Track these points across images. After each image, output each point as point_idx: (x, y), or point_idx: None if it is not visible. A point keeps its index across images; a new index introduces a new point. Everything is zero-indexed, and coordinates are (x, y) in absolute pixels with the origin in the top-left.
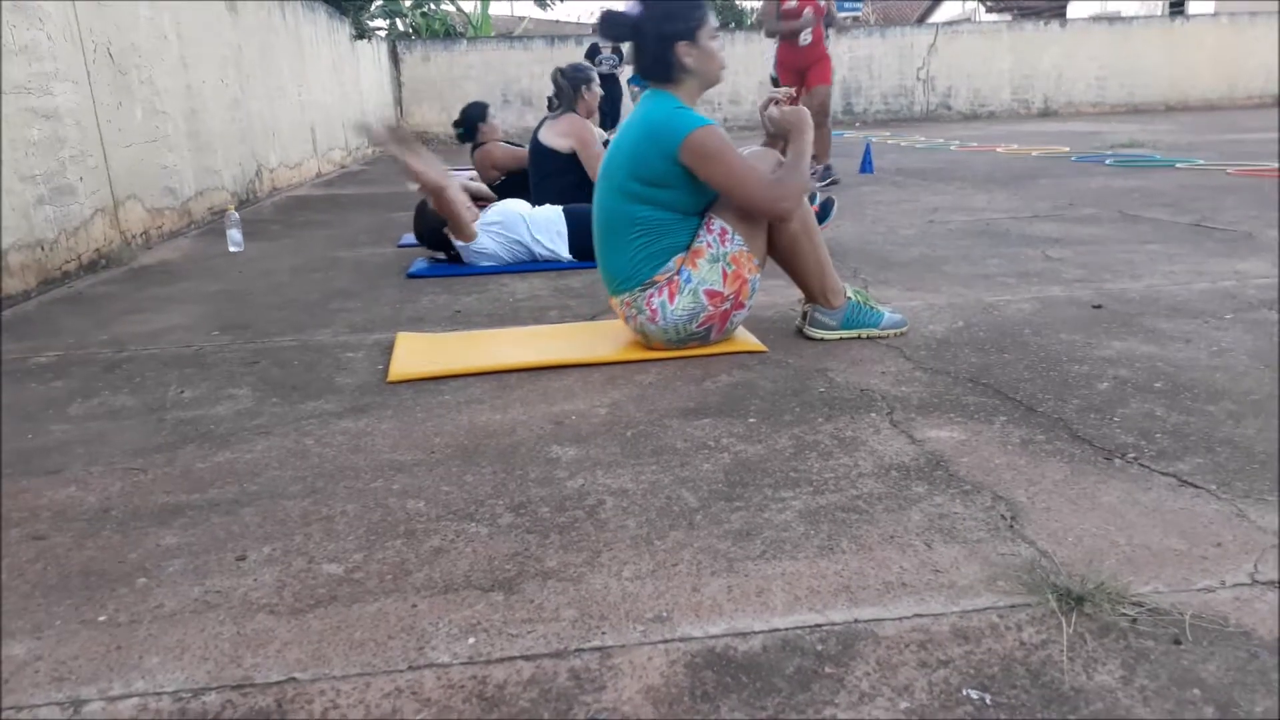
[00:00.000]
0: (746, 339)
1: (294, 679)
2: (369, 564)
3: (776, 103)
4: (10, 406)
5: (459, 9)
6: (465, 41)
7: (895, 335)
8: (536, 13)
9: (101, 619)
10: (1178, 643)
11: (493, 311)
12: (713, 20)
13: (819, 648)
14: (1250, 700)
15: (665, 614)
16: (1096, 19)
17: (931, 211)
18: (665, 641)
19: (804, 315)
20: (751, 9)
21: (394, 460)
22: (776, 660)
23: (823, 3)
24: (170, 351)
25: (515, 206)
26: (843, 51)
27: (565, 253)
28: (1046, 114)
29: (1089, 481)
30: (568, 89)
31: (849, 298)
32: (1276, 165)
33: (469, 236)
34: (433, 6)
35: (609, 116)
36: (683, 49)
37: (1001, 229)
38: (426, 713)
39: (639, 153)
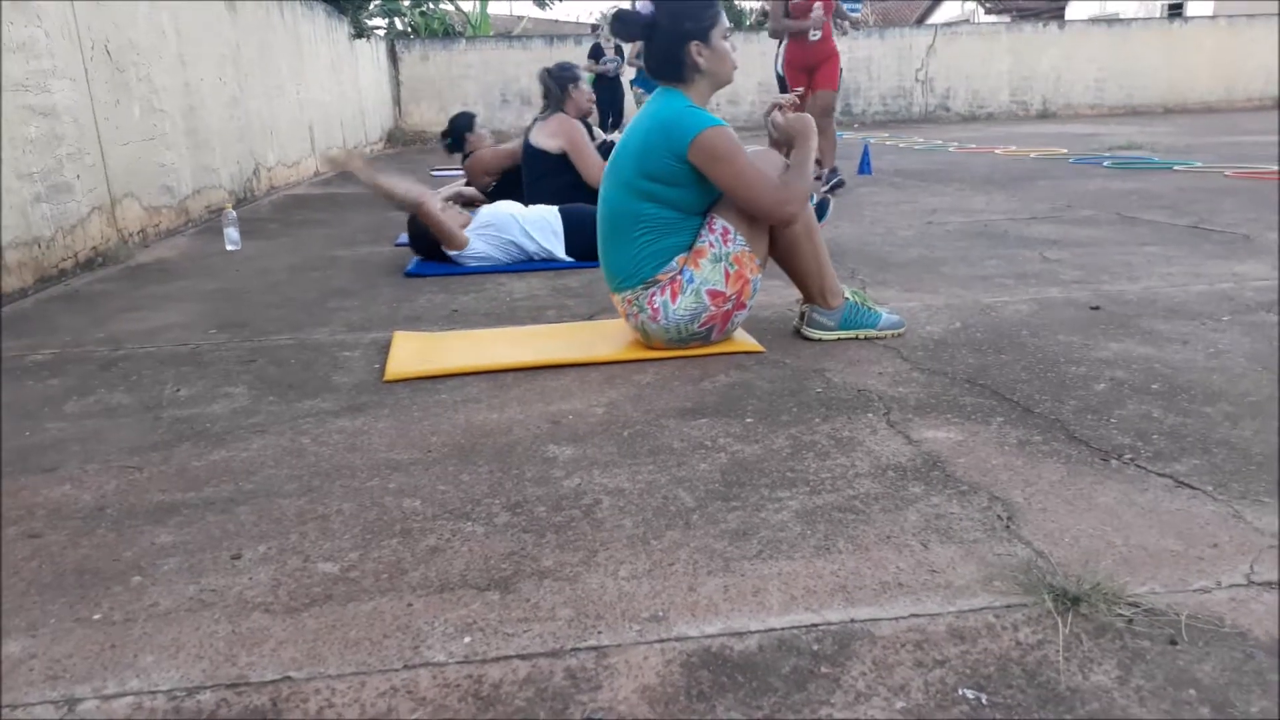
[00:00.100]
0: (744, 339)
1: (289, 678)
2: (365, 563)
3: (780, 108)
4: (7, 404)
5: (458, 8)
6: (464, 41)
7: (893, 336)
8: (535, 12)
9: (96, 617)
10: (1174, 643)
11: (490, 311)
12: (725, 21)
13: (815, 647)
14: (1246, 701)
15: (661, 613)
16: (1095, 21)
17: (930, 213)
18: (661, 641)
19: (802, 316)
20: (751, 9)
21: (390, 459)
22: (772, 660)
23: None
24: (167, 350)
25: (506, 207)
26: (841, 52)
27: (561, 252)
28: (1045, 116)
29: (1085, 482)
30: (554, 89)
31: (847, 298)
32: (1274, 168)
33: (459, 245)
34: (431, 6)
35: (612, 117)
36: (695, 49)
37: (999, 230)
38: (422, 712)
39: (648, 150)
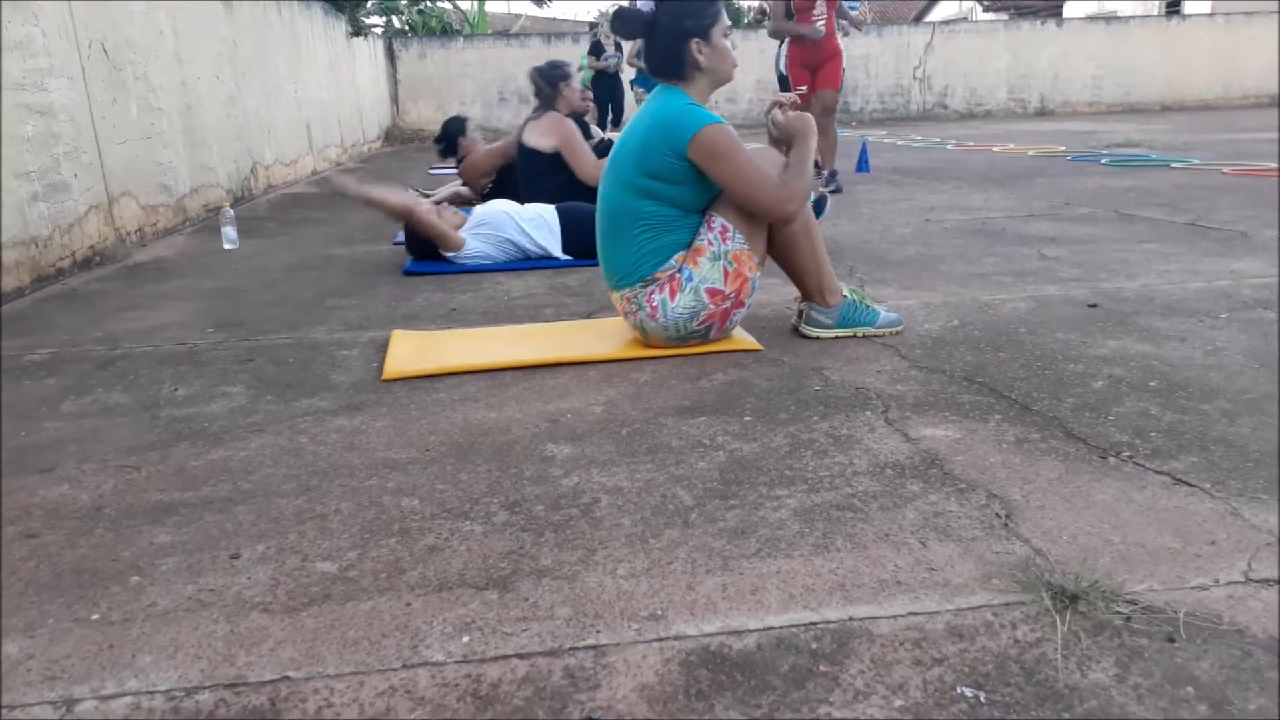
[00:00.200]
0: (743, 337)
1: (287, 678)
2: (363, 562)
3: (780, 106)
4: (4, 404)
5: (455, 6)
6: (462, 39)
7: (891, 334)
8: (533, 10)
9: (94, 617)
10: (1172, 641)
11: (488, 309)
12: (725, 19)
13: (814, 646)
14: (1244, 698)
15: (660, 612)
16: (1093, 18)
17: (928, 210)
18: (660, 640)
19: (800, 314)
20: (749, 7)
21: (388, 458)
22: (771, 658)
23: None
24: (164, 349)
25: (501, 205)
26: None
27: (558, 250)
28: (1043, 113)
29: (1083, 480)
30: (545, 88)
31: (845, 296)
32: (1272, 165)
33: (455, 246)
34: (429, 4)
35: (612, 114)
36: (696, 46)
37: (998, 228)
38: (421, 711)
39: (648, 147)
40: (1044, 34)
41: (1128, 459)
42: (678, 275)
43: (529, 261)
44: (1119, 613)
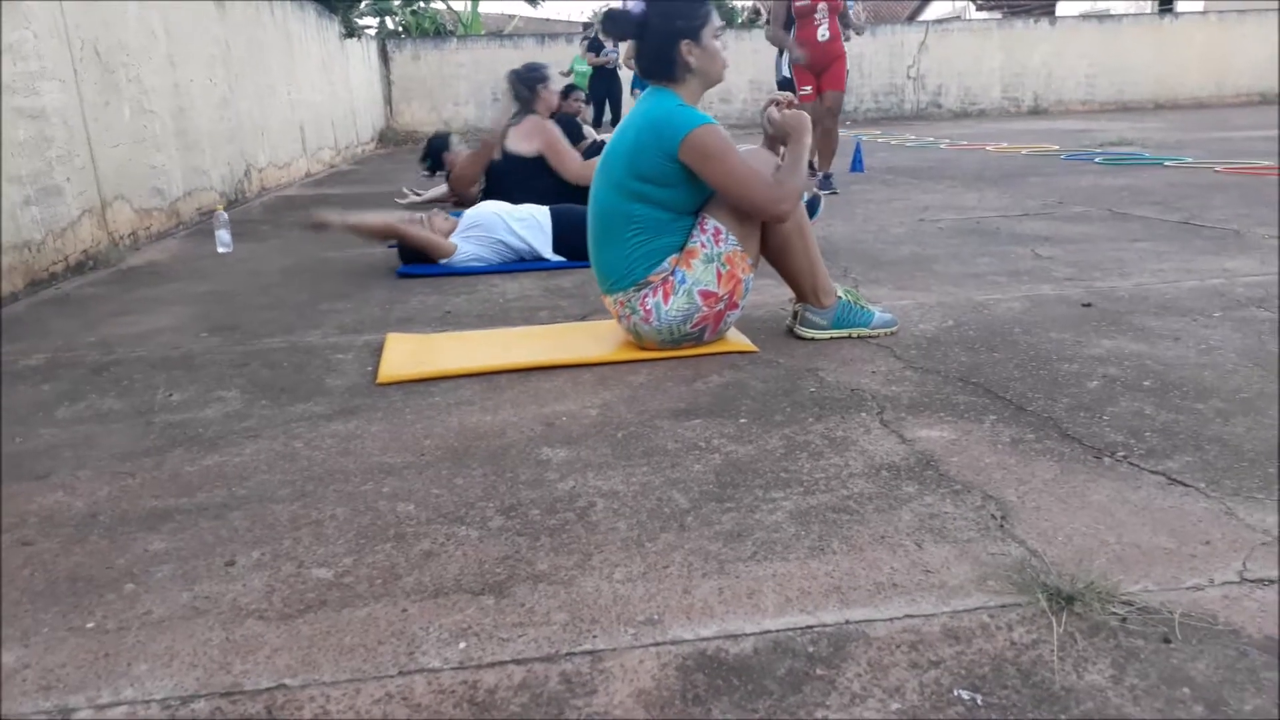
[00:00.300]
0: (737, 339)
1: (284, 685)
2: (359, 568)
3: (777, 104)
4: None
5: (449, 7)
6: (455, 40)
7: (886, 334)
8: (527, 10)
9: (90, 626)
10: (1167, 641)
11: (483, 312)
12: (716, 19)
13: (810, 649)
14: (1240, 699)
15: (656, 616)
16: (1086, 17)
17: (922, 210)
18: (656, 644)
19: (795, 315)
20: (743, 7)
21: (384, 463)
22: (768, 662)
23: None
24: (158, 354)
25: (491, 206)
26: None
27: (548, 251)
28: (1036, 112)
29: (1078, 480)
30: (522, 90)
31: (840, 297)
32: (1264, 163)
33: (445, 254)
34: (422, 5)
35: (610, 111)
36: (686, 47)
37: (992, 227)
38: (417, 718)
39: (639, 150)
40: (1037, 32)
41: (1123, 459)
42: (671, 278)
43: (523, 263)
44: (1115, 614)
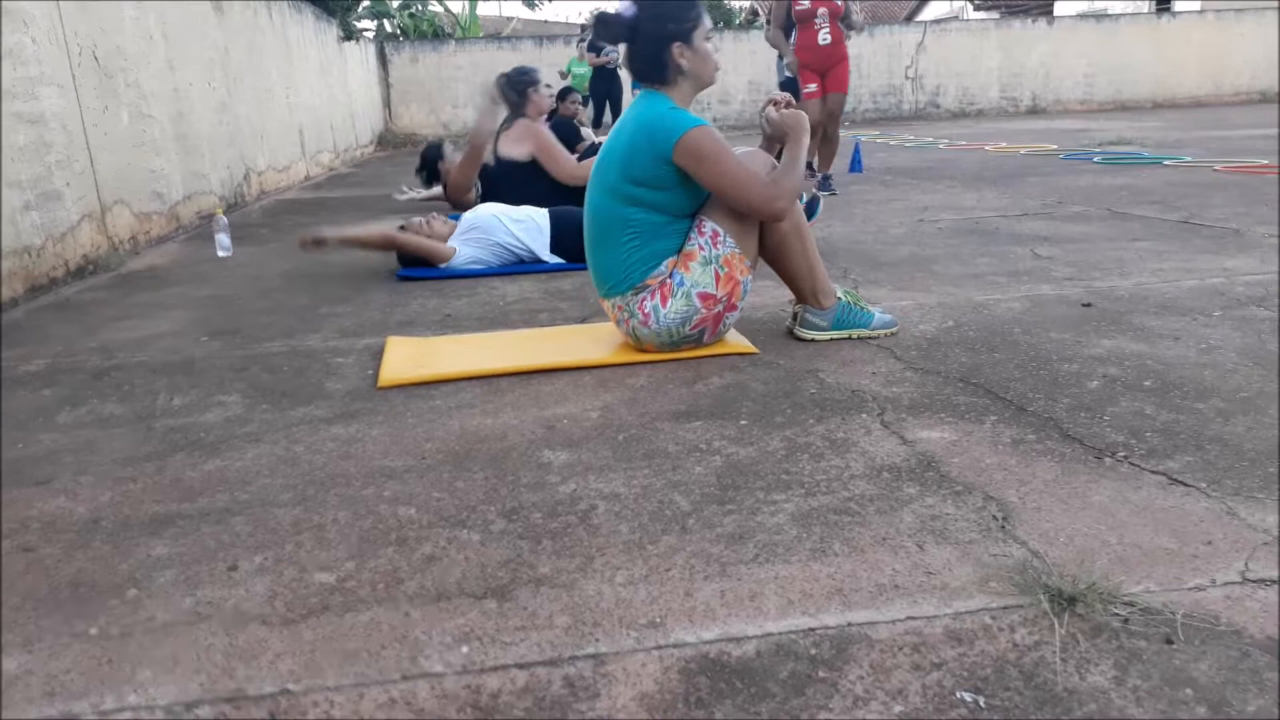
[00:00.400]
0: (737, 341)
1: (287, 690)
2: (361, 572)
3: (775, 104)
4: (1, 417)
5: (447, 10)
6: (454, 42)
7: (886, 335)
8: (525, 12)
9: (93, 632)
10: (1170, 642)
11: (483, 315)
12: (707, 22)
13: (812, 652)
14: (1242, 699)
15: (658, 620)
16: (1084, 16)
17: (921, 210)
18: (659, 648)
19: (794, 316)
20: (740, 8)
21: (385, 466)
22: (770, 665)
23: (839, 2)
24: (159, 358)
25: (489, 208)
26: None
27: (546, 253)
28: (1035, 112)
29: (1080, 481)
30: (512, 95)
31: (839, 298)
32: (1264, 162)
33: (443, 259)
34: (420, 8)
35: (610, 111)
36: (678, 50)
37: (991, 227)
38: None
39: (632, 154)
40: (1035, 32)
41: (1123, 459)
42: (669, 280)
43: (522, 265)
44: (1117, 614)
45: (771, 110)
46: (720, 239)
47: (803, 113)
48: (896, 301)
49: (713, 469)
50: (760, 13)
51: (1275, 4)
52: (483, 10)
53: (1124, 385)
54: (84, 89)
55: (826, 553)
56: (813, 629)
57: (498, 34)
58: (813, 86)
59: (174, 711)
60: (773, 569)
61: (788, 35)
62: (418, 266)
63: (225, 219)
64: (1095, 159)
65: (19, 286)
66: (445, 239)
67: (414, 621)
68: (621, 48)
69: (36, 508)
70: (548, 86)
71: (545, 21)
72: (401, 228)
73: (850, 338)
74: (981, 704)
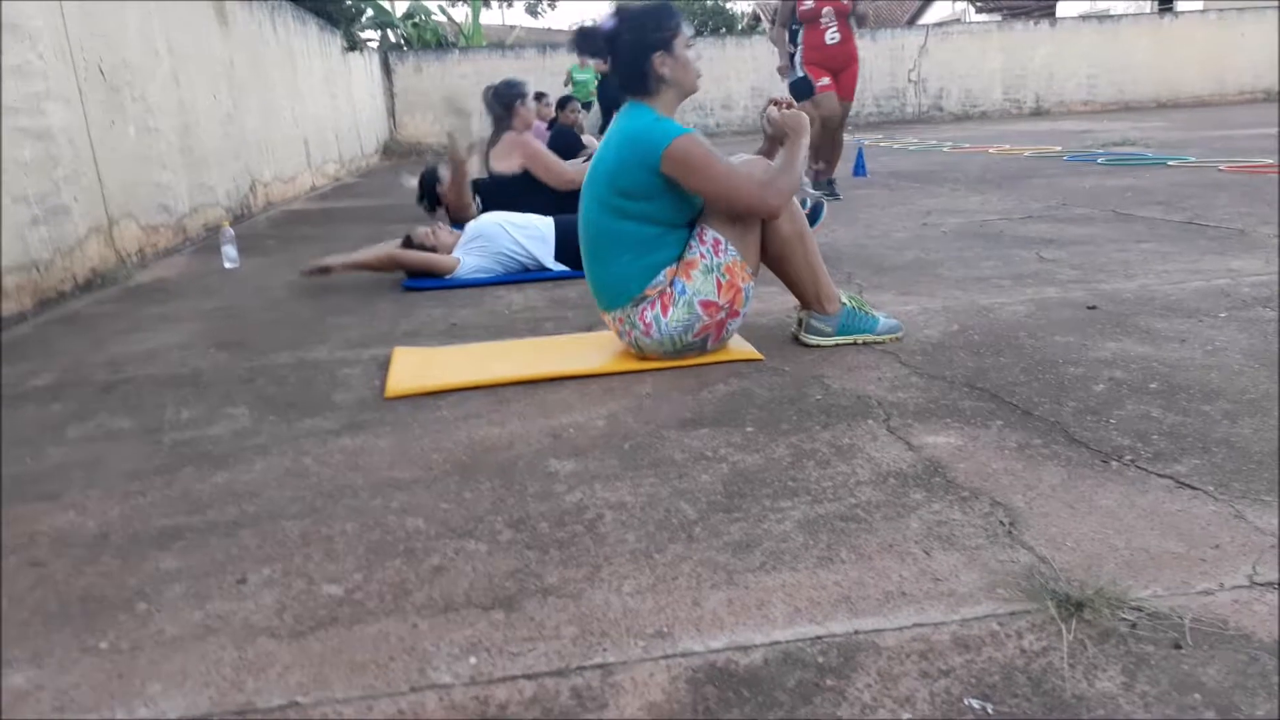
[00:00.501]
0: (743, 347)
1: (296, 703)
2: (369, 584)
3: (776, 104)
4: (7, 431)
5: (450, 19)
6: (457, 51)
7: (891, 341)
8: (529, 21)
9: (103, 646)
10: (1178, 647)
11: (489, 324)
12: (687, 29)
13: (820, 660)
14: (1251, 704)
15: (666, 629)
16: (1086, 17)
17: (925, 214)
18: (666, 657)
19: (799, 322)
20: (742, 13)
21: (392, 478)
22: (778, 673)
23: (846, 1)
24: (167, 371)
25: (492, 217)
26: None
27: (550, 260)
28: (1038, 113)
29: (1086, 485)
30: (497, 108)
31: (844, 304)
32: (1267, 161)
33: (447, 270)
34: (424, 17)
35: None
36: (659, 60)
37: (995, 230)
38: None
39: (621, 167)
40: (1037, 34)
41: (1130, 463)
42: (669, 289)
43: (527, 273)
44: (1124, 620)
45: (773, 110)
46: (722, 247)
47: (804, 114)
48: (901, 306)
49: (719, 477)
50: (762, 17)
51: (1277, 3)
52: (486, 19)
53: (1130, 388)
54: (90, 103)
55: (833, 560)
56: (820, 637)
57: (501, 43)
58: (825, 80)
59: None
60: (780, 577)
61: (793, 36)
62: (423, 277)
63: (231, 231)
64: (1099, 160)
65: (27, 300)
66: (450, 249)
67: (422, 633)
68: None
69: (46, 522)
70: (542, 95)
71: (548, 29)
72: (407, 237)
73: (855, 343)
74: (990, 711)
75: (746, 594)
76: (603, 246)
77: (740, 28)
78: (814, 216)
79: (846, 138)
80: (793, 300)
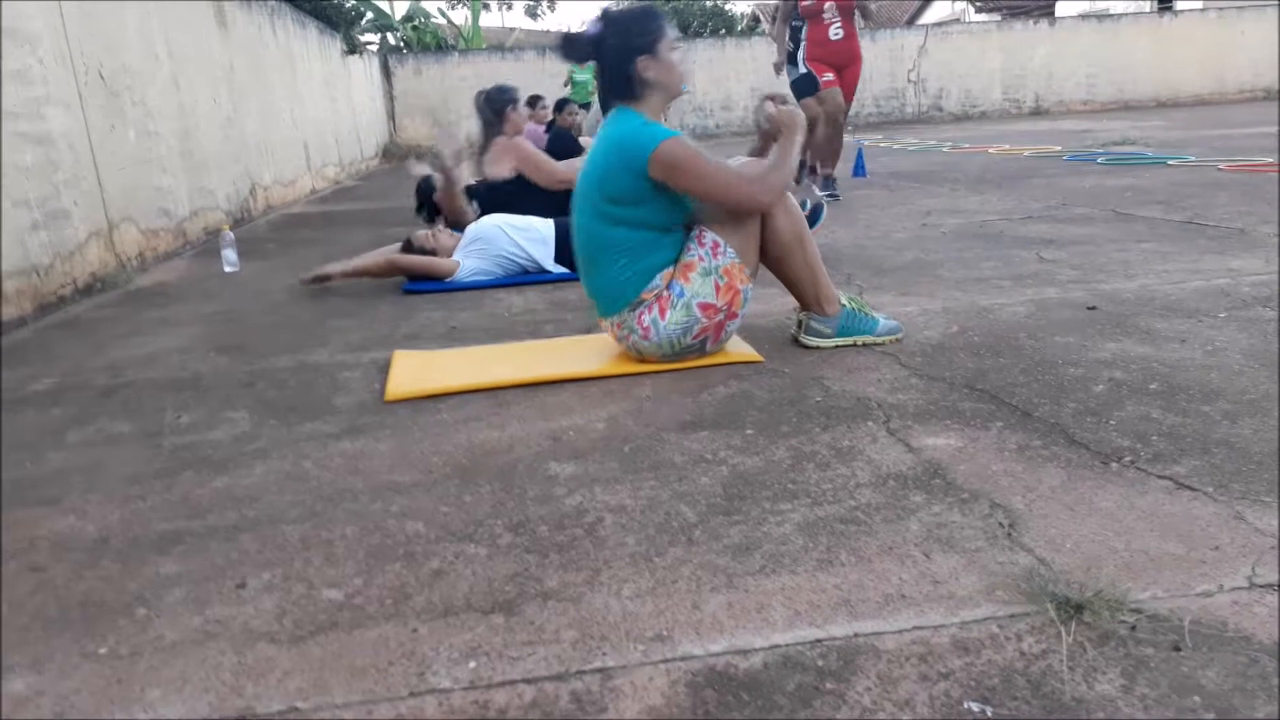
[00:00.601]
0: (743, 349)
1: (295, 708)
2: (369, 588)
3: (772, 100)
4: (7, 435)
5: (449, 22)
6: (457, 54)
7: (891, 342)
8: (528, 23)
9: (102, 651)
10: (1177, 649)
11: (489, 326)
12: (671, 32)
13: (820, 663)
14: (1250, 706)
15: (665, 632)
16: (1085, 17)
17: (925, 214)
18: (666, 661)
19: (799, 324)
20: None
21: (392, 481)
22: (778, 677)
23: None
24: (167, 375)
25: (493, 220)
26: None
27: (550, 262)
28: (1038, 113)
29: (1086, 486)
30: (488, 114)
31: (844, 305)
32: (1267, 160)
33: (447, 274)
34: (423, 20)
35: None
36: (643, 63)
37: (995, 231)
38: None
39: (609, 173)
40: (1037, 33)
41: (1130, 464)
42: (666, 293)
43: (527, 276)
44: (1124, 622)
45: (769, 106)
46: (721, 250)
47: (799, 111)
48: (901, 307)
49: (719, 479)
50: (762, 18)
51: (1277, 1)
52: (485, 21)
53: (1130, 389)
54: (90, 108)
55: (833, 563)
56: (820, 640)
57: (500, 45)
58: (829, 76)
59: None
60: (779, 580)
61: (794, 34)
62: (422, 280)
63: (231, 234)
64: (1099, 160)
65: (28, 305)
66: (451, 251)
67: (421, 637)
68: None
69: (45, 527)
70: (539, 99)
71: (548, 31)
72: (407, 241)
73: (855, 344)
74: (989, 714)
75: (746, 597)
76: (597, 254)
77: (740, 29)
78: (814, 218)
79: (846, 138)
80: (792, 301)
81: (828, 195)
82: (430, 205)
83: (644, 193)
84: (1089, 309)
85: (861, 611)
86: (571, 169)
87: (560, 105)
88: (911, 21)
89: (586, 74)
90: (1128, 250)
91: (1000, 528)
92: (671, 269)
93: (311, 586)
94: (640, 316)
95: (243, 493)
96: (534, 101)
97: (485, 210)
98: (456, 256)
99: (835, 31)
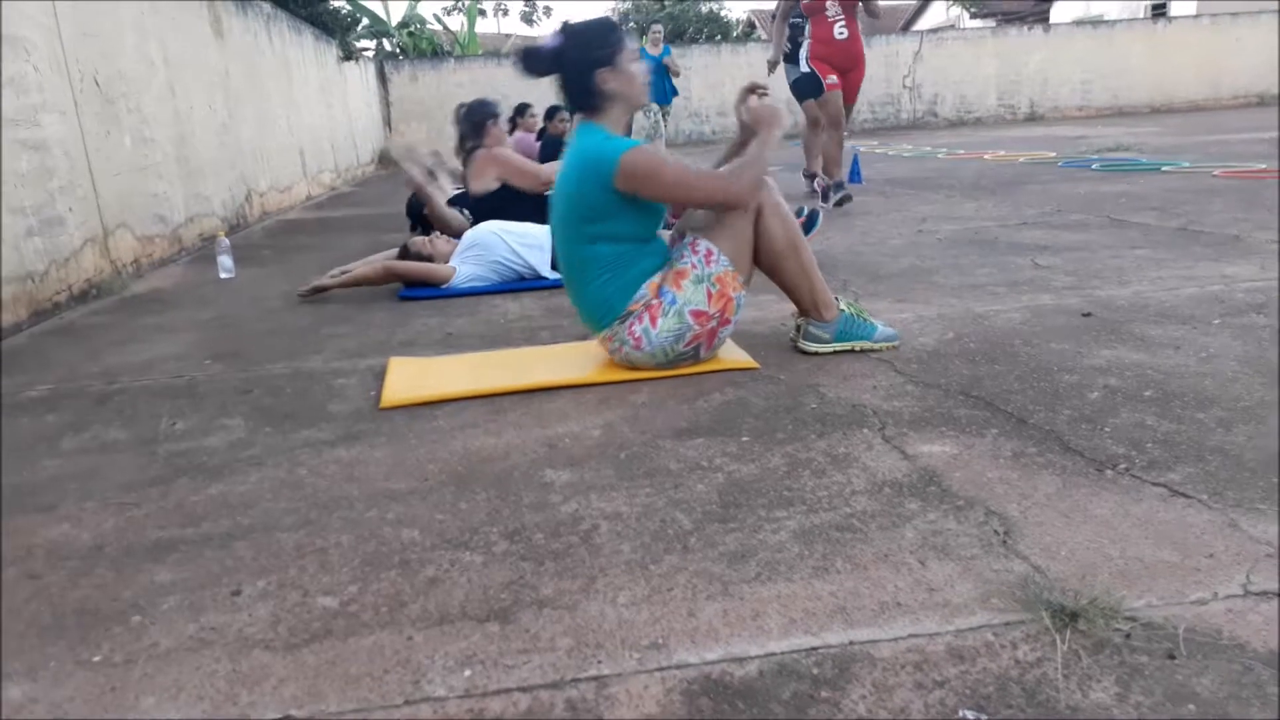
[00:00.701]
0: (738, 356)
1: (290, 716)
2: (364, 596)
3: (755, 92)
4: (4, 443)
5: (446, 28)
6: (453, 60)
7: (887, 349)
8: (524, 29)
9: (97, 659)
10: (1172, 657)
11: (485, 333)
12: (631, 44)
13: (815, 671)
14: (1245, 714)
15: (661, 640)
16: (1080, 23)
17: (920, 221)
18: (661, 669)
19: (797, 329)
20: (737, 20)
21: (388, 489)
22: (773, 685)
23: None
24: (162, 382)
25: (489, 226)
26: None
27: (546, 269)
28: (1033, 119)
29: (1081, 494)
30: (466, 128)
31: (842, 310)
32: (1262, 166)
33: (443, 280)
34: (419, 26)
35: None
36: (604, 75)
37: (990, 237)
38: None
39: (581, 191)
40: (1031, 40)
41: (1125, 471)
42: (656, 300)
43: (523, 282)
44: (1119, 630)
45: (752, 99)
46: (714, 258)
47: (780, 107)
48: (897, 314)
49: (714, 486)
50: (757, 24)
51: (1274, 7)
52: (481, 28)
53: (1124, 396)
54: (86, 115)
55: (829, 570)
56: (815, 648)
57: (497, 51)
58: (833, 78)
59: None
60: (775, 587)
61: (795, 32)
62: (419, 286)
63: (227, 241)
64: (1094, 166)
65: (22, 312)
66: (448, 257)
67: (416, 645)
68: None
69: (40, 534)
70: (527, 107)
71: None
72: (404, 247)
73: (853, 350)
74: None
75: (742, 605)
76: (580, 272)
77: (735, 35)
78: (809, 225)
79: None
80: (788, 307)
81: (839, 199)
82: (424, 221)
83: (614, 206)
84: (1084, 316)
85: (857, 619)
86: (554, 170)
87: (551, 112)
88: (906, 28)
89: None
90: (1122, 257)
91: (995, 535)
92: (656, 278)
93: (306, 594)
94: (631, 327)
95: (238, 500)
96: (523, 110)
97: (478, 218)
98: (453, 262)
99: (840, 31)
